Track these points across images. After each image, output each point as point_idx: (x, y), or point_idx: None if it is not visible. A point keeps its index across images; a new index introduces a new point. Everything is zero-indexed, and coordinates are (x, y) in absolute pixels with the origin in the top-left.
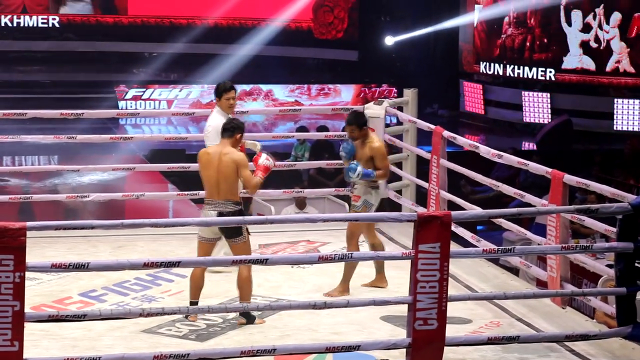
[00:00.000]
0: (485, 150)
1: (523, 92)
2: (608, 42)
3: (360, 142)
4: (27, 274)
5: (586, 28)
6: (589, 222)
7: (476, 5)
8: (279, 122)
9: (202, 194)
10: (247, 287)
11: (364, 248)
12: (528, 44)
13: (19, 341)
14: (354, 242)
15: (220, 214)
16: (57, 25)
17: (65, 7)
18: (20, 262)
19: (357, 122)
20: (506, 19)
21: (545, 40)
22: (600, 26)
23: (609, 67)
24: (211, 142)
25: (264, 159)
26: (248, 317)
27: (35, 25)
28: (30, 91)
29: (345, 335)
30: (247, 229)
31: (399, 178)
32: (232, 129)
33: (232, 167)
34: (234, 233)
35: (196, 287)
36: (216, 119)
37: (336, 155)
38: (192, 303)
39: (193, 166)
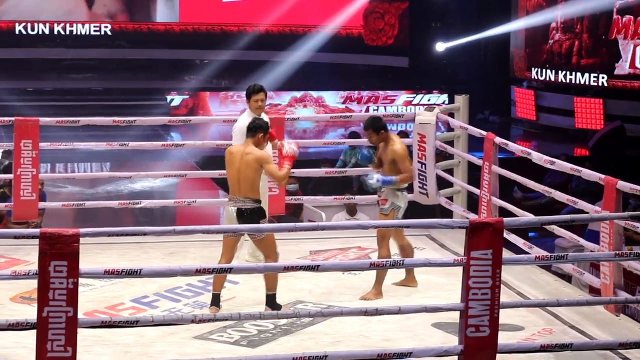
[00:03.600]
0: (538, 157)
1: (575, 98)
2: None
3: (382, 146)
4: (80, 280)
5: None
6: None
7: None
8: (329, 128)
9: None
10: (274, 275)
11: (393, 249)
12: (575, 49)
13: (72, 347)
14: (385, 243)
15: (239, 210)
16: (109, 33)
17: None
18: (73, 268)
19: (373, 126)
20: (553, 24)
21: (594, 46)
22: None
23: None
24: (237, 142)
25: (288, 147)
26: (273, 307)
27: (87, 33)
28: (82, 99)
29: (397, 342)
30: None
31: (450, 185)
32: (255, 129)
33: (253, 166)
34: (253, 229)
35: (220, 279)
36: (243, 120)
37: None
38: (214, 295)
39: None
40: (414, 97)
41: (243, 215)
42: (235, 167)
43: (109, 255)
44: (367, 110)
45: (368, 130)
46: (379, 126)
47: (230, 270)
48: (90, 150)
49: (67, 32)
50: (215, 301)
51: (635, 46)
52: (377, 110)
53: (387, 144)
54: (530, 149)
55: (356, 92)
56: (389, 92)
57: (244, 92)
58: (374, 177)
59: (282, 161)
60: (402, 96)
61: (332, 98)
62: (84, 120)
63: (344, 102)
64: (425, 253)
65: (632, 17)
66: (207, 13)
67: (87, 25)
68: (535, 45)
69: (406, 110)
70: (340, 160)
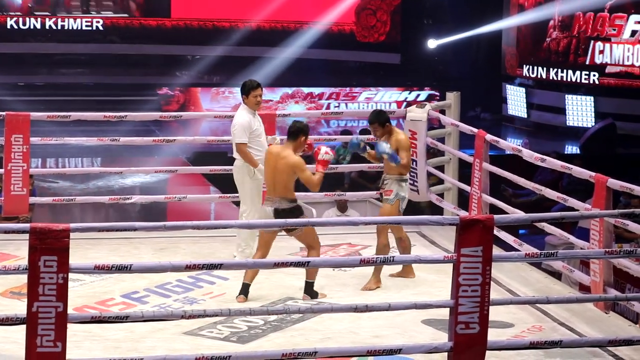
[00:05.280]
0: (528, 154)
1: (566, 96)
2: None
3: (386, 138)
4: (70, 275)
5: (631, 31)
6: (633, 226)
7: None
8: (320, 124)
9: None
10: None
11: (392, 241)
12: (573, 47)
13: (62, 342)
14: (384, 233)
15: (275, 210)
16: (100, 28)
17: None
18: (63, 263)
19: (378, 120)
20: (551, 22)
21: (590, 44)
22: None
23: None
24: (238, 140)
25: (324, 153)
26: (312, 294)
27: (79, 28)
28: (73, 93)
29: (387, 339)
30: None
31: (441, 181)
32: (297, 132)
33: (287, 171)
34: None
35: (254, 271)
36: (243, 117)
37: (378, 158)
38: (244, 285)
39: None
40: (375, 94)
41: (279, 215)
42: (271, 168)
43: (100, 250)
44: (327, 107)
45: (374, 124)
46: (383, 119)
47: (221, 266)
48: (81, 145)
49: (59, 27)
50: (245, 291)
51: (595, 42)
52: (337, 107)
53: (391, 135)
54: (521, 146)
55: (348, 88)
56: (381, 89)
57: (236, 88)
58: (386, 146)
59: (316, 166)
60: (364, 93)
61: (323, 94)
62: (75, 115)
63: (335, 99)
64: (416, 250)
65: (592, 13)
66: (199, 9)
67: (78, 20)
68: (527, 43)
69: (367, 107)
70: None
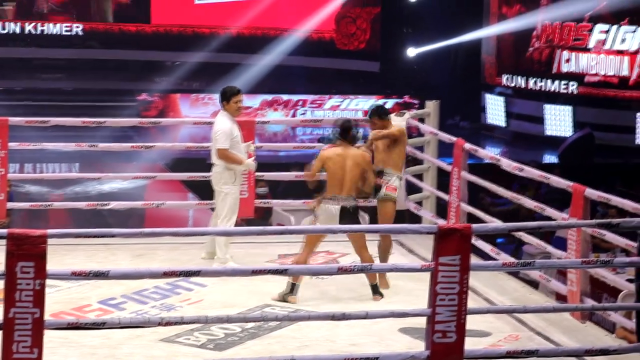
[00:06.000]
0: (507, 163)
1: (545, 105)
2: (632, 55)
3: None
4: (47, 282)
5: (610, 41)
6: (609, 236)
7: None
8: (300, 131)
9: None
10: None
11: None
12: (552, 57)
13: (39, 348)
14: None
15: (343, 208)
16: (80, 33)
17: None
18: (40, 269)
19: (378, 113)
20: (534, 32)
21: (571, 54)
22: (624, 40)
23: (632, 80)
24: (221, 145)
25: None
26: (379, 293)
27: (58, 33)
28: (52, 98)
29: (364, 347)
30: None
31: (419, 190)
32: (349, 130)
33: (363, 167)
34: (353, 223)
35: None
36: (225, 123)
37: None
38: (292, 284)
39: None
40: (342, 102)
41: (348, 212)
42: (339, 167)
43: (77, 256)
44: (294, 114)
45: (373, 118)
46: (381, 112)
47: (198, 272)
48: (59, 150)
49: (39, 32)
50: (295, 290)
51: (562, 51)
52: (304, 114)
53: (388, 128)
54: (500, 155)
55: (327, 96)
56: (360, 97)
57: (215, 95)
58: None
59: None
60: (329, 101)
61: (303, 101)
62: (54, 120)
63: (315, 106)
64: (394, 258)
65: (559, 22)
66: (179, 14)
67: (58, 25)
68: (507, 52)
69: (333, 115)
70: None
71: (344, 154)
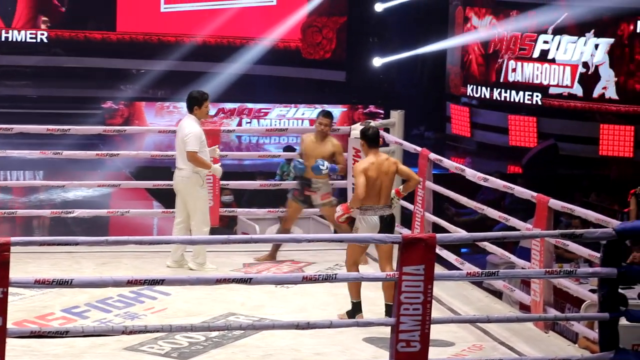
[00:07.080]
0: (471, 173)
1: (509, 116)
2: (597, 68)
3: (320, 139)
4: (10, 289)
5: (575, 53)
6: (573, 246)
7: (473, 27)
8: (265, 141)
9: None
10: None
11: None
12: (519, 68)
13: (1, 357)
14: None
15: (381, 217)
16: (45, 40)
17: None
18: (3, 277)
19: (331, 117)
20: (499, 45)
21: (536, 64)
22: (589, 52)
23: (596, 93)
24: (191, 148)
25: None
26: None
27: (23, 39)
28: (17, 106)
29: (328, 356)
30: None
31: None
32: (378, 136)
33: (394, 173)
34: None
35: (357, 286)
36: (195, 127)
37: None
38: (355, 304)
39: None
40: (288, 111)
41: (386, 222)
42: (374, 177)
43: (40, 264)
44: (239, 123)
45: (328, 119)
46: (327, 114)
47: (162, 281)
48: (23, 158)
49: (3, 39)
50: (359, 308)
51: (509, 60)
52: (250, 123)
53: (326, 138)
54: (465, 165)
55: (293, 105)
56: (326, 106)
57: (181, 103)
58: (325, 164)
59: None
60: (275, 109)
61: (268, 110)
62: (18, 127)
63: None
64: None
65: (569, 35)
66: (145, 22)
67: (22, 32)
68: (472, 63)
69: (280, 124)
70: (277, 175)
71: (378, 163)
